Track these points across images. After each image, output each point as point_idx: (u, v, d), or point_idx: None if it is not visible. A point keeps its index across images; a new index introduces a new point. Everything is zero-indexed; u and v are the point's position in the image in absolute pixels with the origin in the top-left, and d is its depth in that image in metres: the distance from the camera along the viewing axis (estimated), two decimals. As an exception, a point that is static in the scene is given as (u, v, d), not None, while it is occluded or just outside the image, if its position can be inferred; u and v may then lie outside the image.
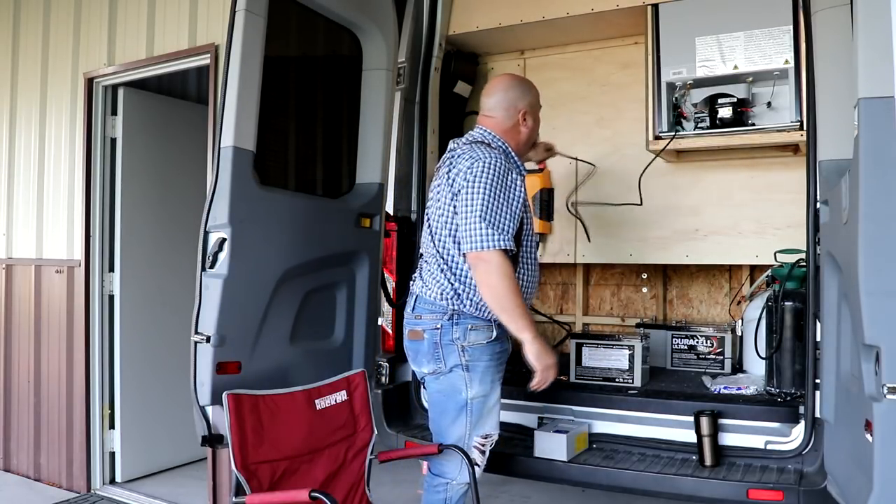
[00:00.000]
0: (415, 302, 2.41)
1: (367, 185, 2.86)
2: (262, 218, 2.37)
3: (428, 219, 2.46)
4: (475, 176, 2.25)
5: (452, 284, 2.32)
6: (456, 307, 2.31)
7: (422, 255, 2.52)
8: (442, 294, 2.33)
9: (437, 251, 2.37)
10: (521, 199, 2.33)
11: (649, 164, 3.18)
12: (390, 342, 3.17)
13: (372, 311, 2.84)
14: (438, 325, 2.32)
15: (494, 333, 2.36)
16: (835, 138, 2.26)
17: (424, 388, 2.53)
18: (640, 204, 3.34)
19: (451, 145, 2.47)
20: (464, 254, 2.28)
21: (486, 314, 2.33)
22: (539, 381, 2.34)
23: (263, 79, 2.34)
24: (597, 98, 3.62)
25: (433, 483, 2.43)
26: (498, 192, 2.25)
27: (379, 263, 2.89)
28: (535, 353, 2.28)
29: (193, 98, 4.54)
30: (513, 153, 2.46)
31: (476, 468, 2.38)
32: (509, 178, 2.29)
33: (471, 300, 2.31)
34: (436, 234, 2.38)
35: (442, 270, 2.34)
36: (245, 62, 2.27)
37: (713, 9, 2.96)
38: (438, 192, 2.40)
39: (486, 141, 2.41)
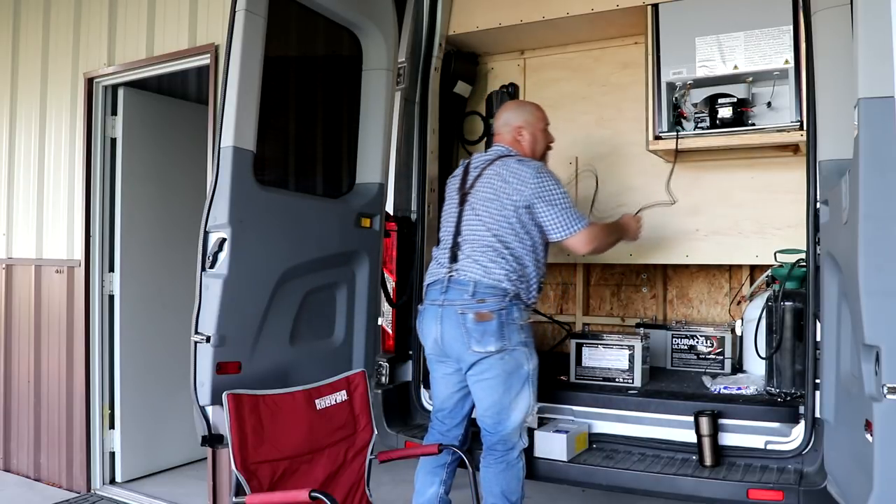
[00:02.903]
0: (474, 287, 2.54)
1: (367, 185, 2.86)
2: (262, 218, 2.37)
3: (478, 215, 2.62)
4: (547, 182, 2.59)
5: (517, 271, 2.56)
6: (518, 290, 2.56)
7: (455, 246, 2.64)
8: (507, 278, 2.55)
9: (499, 243, 2.58)
10: None
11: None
12: (390, 342, 3.17)
13: (372, 311, 2.84)
14: (504, 307, 2.53)
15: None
16: (835, 138, 2.26)
17: (468, 372, 2.57)
18: (672, 203, 3.35)
19: (481, 158, 2.74)
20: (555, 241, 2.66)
21: (531, 299, 2.64)
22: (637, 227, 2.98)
23: (263, 79, 2.34)
24: (597, 98, 3.62)
25: (507, 458, 2.56)
26: (564, 191, 2.64)
27: (379, 263, 2.89)
28: (629, 230, 2.95)
29: (193, 98, 4.54)
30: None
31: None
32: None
33: (528, 285, 2.60)
34: (493, 229, 2.59)
35: (504, 258, 2.56)
36: (245, 62, 2.27)
37: (713, 9, 2.96)
38: (488, 196, 2.61)
39: (512, 154, 2.70)
